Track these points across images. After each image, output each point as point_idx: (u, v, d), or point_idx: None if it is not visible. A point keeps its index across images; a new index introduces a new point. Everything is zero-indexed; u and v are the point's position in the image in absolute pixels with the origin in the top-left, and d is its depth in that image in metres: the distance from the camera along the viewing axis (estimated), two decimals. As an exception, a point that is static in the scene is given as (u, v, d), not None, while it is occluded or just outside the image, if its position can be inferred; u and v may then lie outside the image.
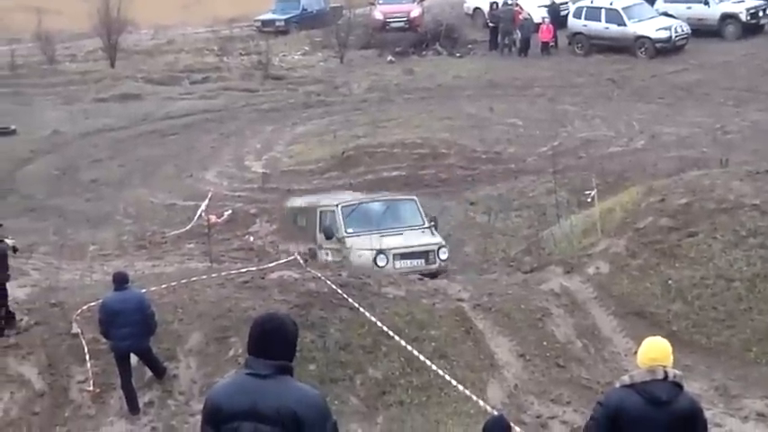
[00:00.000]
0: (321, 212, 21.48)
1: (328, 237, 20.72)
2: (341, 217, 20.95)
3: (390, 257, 20.26)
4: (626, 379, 7.79)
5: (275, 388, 6.07)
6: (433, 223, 21.53)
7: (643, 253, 17.43)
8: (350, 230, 20.83)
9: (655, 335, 15.44)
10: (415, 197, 22.42)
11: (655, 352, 7.78)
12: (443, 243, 21.03)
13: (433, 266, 20.50)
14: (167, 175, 30.05)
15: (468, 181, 27.09)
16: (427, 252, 20.70)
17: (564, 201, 23.41)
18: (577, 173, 25.23)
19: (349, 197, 22.76)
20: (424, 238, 21.01)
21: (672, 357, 7.81)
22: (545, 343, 15.90)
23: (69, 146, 33.46)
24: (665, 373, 7.64)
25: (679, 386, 7.69)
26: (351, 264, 19.73)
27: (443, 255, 20.83)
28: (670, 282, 16.67)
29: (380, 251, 20.21)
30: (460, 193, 26.08)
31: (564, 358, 15.59)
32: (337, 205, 21.16)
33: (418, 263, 20.47)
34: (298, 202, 23.13)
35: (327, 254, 20.89)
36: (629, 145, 29.07)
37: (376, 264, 19.99)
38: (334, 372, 15.09)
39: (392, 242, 20.55)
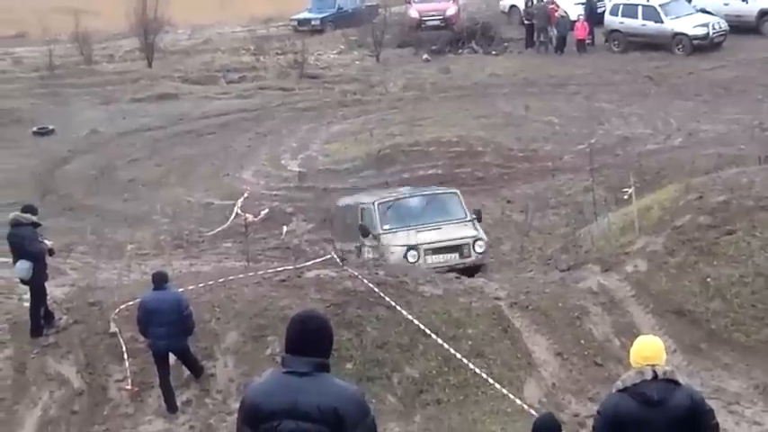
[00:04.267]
0: (362, 210, 21.41)
1: (364, 235, 20.63)
2: (377, 214, 20.85)
3: (422, 253, 20.07)
4: (619, 383, 7.74)
5: (315, 385, 6.07)
6: (475, 216, 21.21)
7: (681, 251, 17.32)
8: (386, 227, 20.69)
9: (694, 333, 15.52)
10: (456, 191, 22.25)
11: (646, 351, 7.73)
12: (480, 236, 20.73)
13: (468, 260, 20.28)
14: (204, 175, 30.15)
15: (504, 179, 27.03)
16: (461, 246, 20.39)
17: (601, 199, 23.27)
18: (614, 170, 25.11)
19: (399, 192, 22.62)
20: (460, 232, 20.69)
21: (664, 355, 7.75)
22: (582, 341, 15.84)
23: (107, 146, 33.64)
24: (654, 372, 7.57)
25: (674, 382, 7.62)
26: (387, 261, 19.65)
27: (480, 248, 20.53)
28: (709, 280, 16.55)
29: (411, 247, 20.04)
30: (497, 191, 26.04)
31: (602, 357, 15.54)
32: (374, 202, 21.10)
33: (451, 257, 20.24)
34: (347, 200, 23.06)
35: (369, 251, 20.77)
36: (667, 142, 28.92)
37: (407, 260, 19.88)
38: (371, 370, 15.10)
39: (425, 237, 20.29)
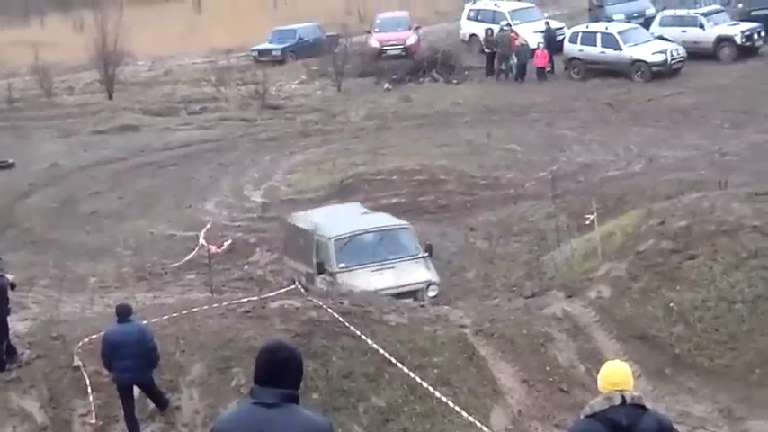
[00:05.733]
0: (317, 242, 21.18)
1: (320, 272, 20.48)
2: (333, 251, 20.68)
3: None
4: (587, 409, 7.75)
5: (283, 417, 6.06)
6: (427, 253, 21.21)
7: (644, 276, 17.42)
8: (342, 265, 20.58)
9: (658, 358, 15.60)
10: (409, 226, 22.17)
11: (614, 376, 7.74)
12: (433, 279, 20.74)
13: (420, 305, 19.86)
14: (166, 207, 30.07)
15: (467, 207, 27.11)
16: (415, 291, 20.38)
17: (564, 225, 23.41)
18: (577, 197, 25.24)
19: (348, 213, 22.70)
20: (414, 275, 20.65)
21: (632, 380, 7.77)
22: (548, 368, 15.88)
23: (68, 178, 33.48)
24: (623, 397, 7.60)
25: (642, 407, 7.65)
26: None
27: (432, 292, 20.54)
28: (672, 305, 16.65)
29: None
30: (460, 218, 26.10)
31: (567, 383, 15.58)
32: (330, 239, 20.86)
33: (406, 303, 19.92)
34: (299, 221, 22.83)
35: (322, 282, 20.56)
36: (628, 168, 29.12)
37: None
38: (337, 400, 15.05)
39: (381, 282, 20.16)
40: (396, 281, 20.38)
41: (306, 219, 22.75)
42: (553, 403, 15.21)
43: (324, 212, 23.32)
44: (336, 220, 21.87)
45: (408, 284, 20.35)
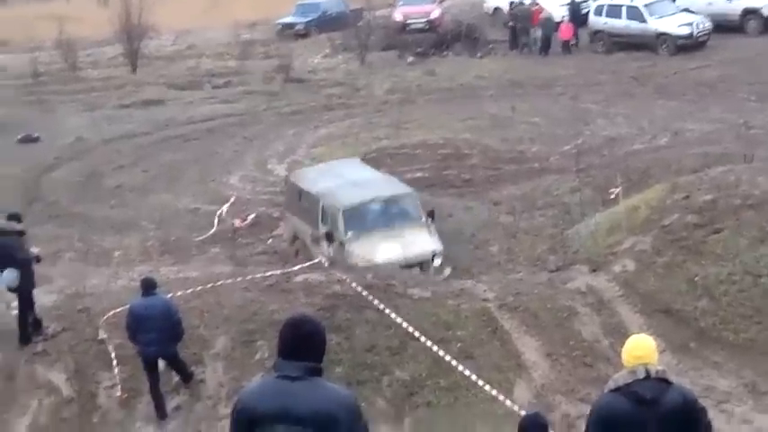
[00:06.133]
0: (324, 209, 21.41)
1: (330, 240, 20.66)
2: (342, 222, 20.88)
3: None
4: (611, 383, 7.73)
5: (307, 390, 6.08)
6: (430, 219, 21.46)
7: (669, 250, 17.36)
8: (350, 234, 20.82)
9: (682, 332, 15.55)
10: (413, 191, 22.38)
11: (638, 350, 7.72)
12: (437, 249, 20.95)
13: (428, 274, 20.42)
14: (191, 180, 30.11)
15: (491, 181, 27.01)
16: (422, 263, 20.61)
17: (588, 199, 23.33)
18: (601, 171, 25.14)
19: (350, 173, 22.87)
20: (421, 245, 20.89)
21: (656, 354, 7.74)
22: (572, 342, 15.85)
23: (93, 152, 33.56)
24: (647, 371, 7.58)
25: (666, 381, 7.63)
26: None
27: (437, 262, 20.78)
28: (696, 278, 16.58)
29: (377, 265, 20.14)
30: (484, 193, 26.01)
31: (591, 357, 15.55)
32: (339, 209, 21.02)
33: (413, 273, 20.25)
34: (302, 181, 22.95)
35: (330, 249, 20.78)
36: (653, 142, 28.94)
37: None
38: (360, 374, 15.10)
39: (390, 253, 20.41)
40: (404, 251, 20.61)
41: (308, 178, 22.93)
42: (577, 377, 15.19)
43: (325, 171, 23.38)
44: (342, 186, 21.94)
45: (416, 255, 20.61)
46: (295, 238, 22.84)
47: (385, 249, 20.56)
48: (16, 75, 45.85)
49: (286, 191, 23.62)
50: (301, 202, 22.39)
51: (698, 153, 25.52)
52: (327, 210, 21.33)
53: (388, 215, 21.54)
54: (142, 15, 44.52)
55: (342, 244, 20.69)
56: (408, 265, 20.19)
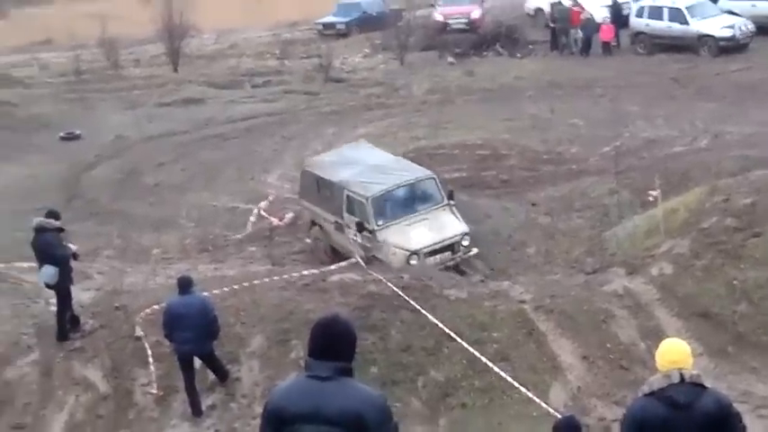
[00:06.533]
0: (348, 197, 21.64)
1: (360, 230, 20.95)
2: (371, 211, 21.11)
3: (422, 257, 20.62)
4: (645, 387, 7.69)
5: (337, 390, 6.07)
6: (452, 201, 21.79)
7: (707, 253, 17.21)
8: (380, 222, 21.08)
9: (720, 336, 15.41)
10: (434, 174, 22.49)
11: (673, 354, 7.67)
12: (465, 229, 21.32)
13: (457, 255, 21.07)
14: (229, 179, 30.19)
15: (529, 182, 26.90)
16: (453, 244, 21.06)
17: (627, 201, 23.20)
18: (640, 173, 24.96)
19: (365, 158, 23.06)
20: (451, 227, 21.27)
21: (691, 359, 7.68)
22: (608, 345, 15.76)
23: (133, 150, 33.73)
24: (681, 375, 7.52)
25: (701, 386, 7.57)
26: (384, 258, 20.51)
27: (466, 242, 21.20)
28: (735, 282, 16.42)
29: (413, 252, 20.54)
30: (522, 193, 25.91)
31: (627, 360, 15.45)
32: (367, 198, 21.20)
33: (446, 256, 20.94)
34: (319, 169, 23.08)
35: (356, 236, 21.16)
36: (693, 144, 28.72)
37: (409, 263, 20.32)
38: (395, 374, 15.09)
39: (422, 239, 20.78)
40: (436, 235, 20.95)
41: (325, 167, 23.08)
42: (613, 380, 15.10)
43: (341, 158, 23.52)
44: (363, 174, 22.14)
45: (449, 238, 21.00)
46: (312, 224, 23.14)
47: (418, 235, 20.85)
48: (60, 72, 46.23)
49: (301, 179, 23.78)
50: (320, 190, 22.63)
51: (738, 156, 25.27)
52: (353, 199, 21.56)
53: (413, 200, 21.84)
54: (184, 14, 44.69)
55: (372, 232, 20.92)
56: (441, 249, 20.73)
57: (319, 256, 22.72)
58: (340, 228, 21.83)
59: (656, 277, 17.22)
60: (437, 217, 21.42)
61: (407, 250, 20.53)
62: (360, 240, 21.13)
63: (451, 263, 20.86)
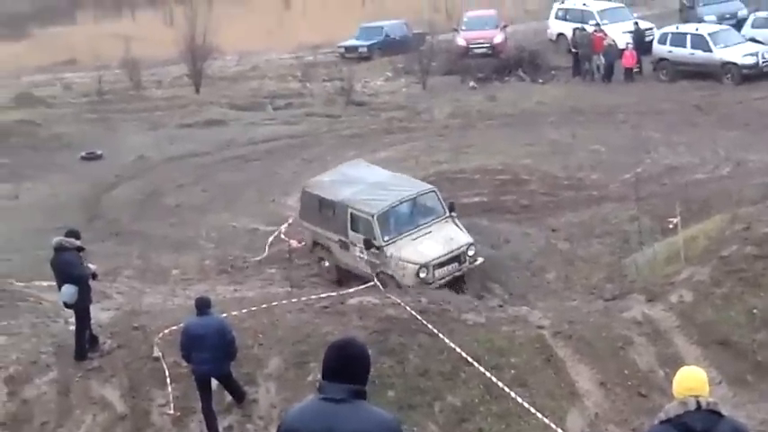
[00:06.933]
0: (353, 215, 21.93)
1: (368, 248, 21.25)
2: (377, 227, 21.39)
3: (431, 269, 20.93)
4: (662, 414, 7.69)
5: (351, 412, 6.09)
6: (454, 213, 22.22)
7: (727, 281, 17.17)
8: (386, 238, 21.37)
9: (739, 364, 15.36)
10: (434, 188, 22.90)
11: (690, 381, 7.67)
12: (470, 240, 21.68)
13: (464, 266, 21.47)
14: (250, 200, 30.27)
15: (549, 207, 26.91)
16: (459, 255, 21.41)
17: (647, 228, 23.17)
18: (661, 200, 24.94)
19: (364, 176, 23.39)
20: (457, 238, 21.63)
21: (708, 386, 7.68)
22: (626, 372, 15.73)
23: (154, 171, 33.89)
24: (698, 403, 7.51)
25: (718, 414, 7.56)
26: (401, 277, 20.79)
27: (471, 252, 21.56)
28: (755, 311, 16.39)
29: (422, 265, 20.83)
30: (542, 219, 25.91)
31: (646, 387, 15.42)
32: (372, 215, 21.47)
33: (453, 267, 21.31)
34: (320, 190, 23.28)
35: (363, 253, 21.54)
36: (714, 172, 28.68)
37: (418, 276, 20.69)
38: (412, 398, 15.08)
39: (430, 252, 21.11)
40: (444, 247, 21.31)
41: (326, 187, 23.27)
42: (631, 407, 15.07)
43: (340, 177, 23.71)
44: (365, 192, 22.44)
45: (456, 249, 21.36)
46: (315, 244, 23.37)
47: (426, 248, 21.20)
48: (82, 93, 46.56)
49: (302, 201, 24.01)
50: (322, 210, 22.85)
51: (759, 184, 25.24)
52: (358, 217, 21.85)
53: (417, 214, 22.19)
54: (207, 36, 44.97)
55: (380, 249, 21.21)
56: (448, 261, 21.12)
57: (324, 276, 22.97)
58: (345, 246, 22.15)
59: (676, 304, 17.18)
60: (441, 229, 21.82)
61: (417, 263, 20.83)
62: (367, 257, 21.47)
63: (459, 273, 21.32)
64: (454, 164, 30.88)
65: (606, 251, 23.09)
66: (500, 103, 39.38)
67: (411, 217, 22.08)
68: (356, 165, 24.99)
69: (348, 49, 51.09)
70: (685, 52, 39.43)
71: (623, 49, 41.11)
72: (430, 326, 16.19)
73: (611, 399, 15.24)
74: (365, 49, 50.54)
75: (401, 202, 22.03)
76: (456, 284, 21.23)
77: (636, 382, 15.51)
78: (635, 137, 32.42)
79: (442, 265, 21.08)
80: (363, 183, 22.93)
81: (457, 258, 21.33)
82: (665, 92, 38.30)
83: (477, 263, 21.68)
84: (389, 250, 21.14)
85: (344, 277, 22.27)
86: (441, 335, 15.95)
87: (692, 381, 7.68)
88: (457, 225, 22.03)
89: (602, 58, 41.16)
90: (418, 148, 33.77)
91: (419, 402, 15.05)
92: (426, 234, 21.59)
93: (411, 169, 30.04)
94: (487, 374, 15.20)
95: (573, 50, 42.73)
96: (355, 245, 21.80)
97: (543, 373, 15.65)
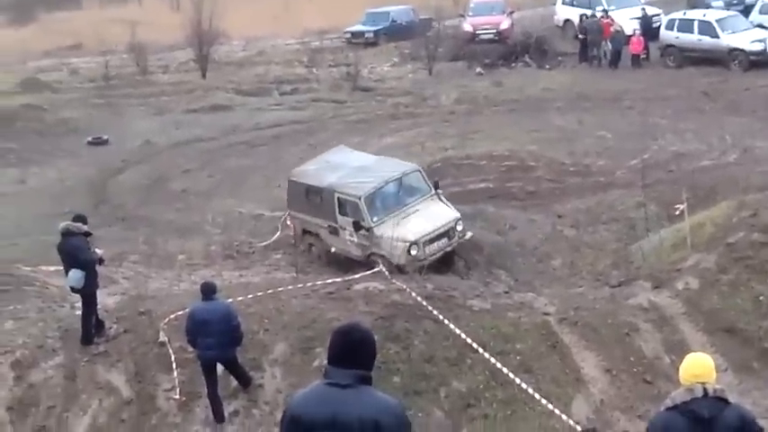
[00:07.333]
0: (340, 199, 22.19)
1: (358, 230, 21.55)
2: (365, 209, 21.67)
3: (421, 246, 21.20)
4: (668, 401, 7.70)
5: (356, 398, 6.10)
6: (439, 190, 22.60)
7: (734, 268, 17.15)
8: (375, 219, 21.65)
9: (746, 351, 15.35)
10: (419, 167, 23.23)
11: (696, 368, 7.68)
12: (459, 215, 22.01)
13: (453, 241, 21.83)
14: (255, 186, 30.28)
15: (555, 194, 26.88)
16: (448, 231, 21.73)
17: (653, 215, 23.15)
18: (668, 186, 24.90)
19: (349, 161, 23.55)
20: (444, 214, 21.94)
21: (714, 373, 7.69)
22: (632, 358, 15.72)
23: (160, 156, 33.92)
24: (705, 389, 7.52)
25: (724, 401, 7.56)
26: (384, 253, 21.11)
27: (459, 227, 21.87)
28: (761, 298, 16.36)
29: (412, 243, 21.08)
30: (548, 205, 25.89)
31: (651, 374, 15.41)
32: (359, 197, 21.72)
33: (443, 242, 21.64)
34: (306, 177, 23.46)
35: (352, 235, 21.84)
36: (721, 159, 28.63)
37: (410, 254, 20.94)
38: (418, 384, 15.10)
39: (419, 229, 21.39)
40: (432, 224, 21.61)
41: (312, 175, 23.45)
42: (636, 394, 15.06)
43: (325, 165, 23.83)
44: (350, 176, 22.64)
45: (444, 225, 21.67)
46: (304, 233, 23.58)
47: (415, 226, 21.47)
48: (89, 78, 46.61)
49: (288, 190, 24.10)
50: (309, 198, 23.07)
51: (766, 171, 25.20)
52: (345, 201, 22.10)
53: (403, 193, 22.47)
54: (213, 21, 44.97)
55: (369, 230, 21.50)
56: (438, 236, 21.44)
57: (315, 263, 23.17)
58: (335, 231, 22.47)
59: (682, 291, 17.16)
60: (428, 206, 22.12)
61: (407, 241, 21.08)
62: (357, 240, 21.76)
63: (449, 248, 21.66)
64: (460, 150, 30.85)
65: (612, 238, 23.08)
66: (506, 88, 39.34)
67: (398, 197, 22.35)
68: (339, 151, 25.08)
69: (354, 34, 51.01)
70: (693, 38, 39.32)
71: (630, 36, 41.00)
72: (435, 312, 16.20)
73: (616, 385, 15.23)
74: (371, 35, 50.46)
75: (387, 183, 22.29)
76: (447, 260, 21.66)
77: (641, 369, 15.50)
78: (642, 123, 32.36)
79: (432, 241, 21.40)
80: (348, 167, 23.14)
81: (446, 234, 21.65)
82: (673, 78, 38.22)
83: (467, 237, 22.01)
84: (379, 231, 21.44)
85: (335, 263, 22.49)
86: (446, 321, 15.96)
87: (699, 367, 7.69)
88: (443, 201, 22.37)
89: (609, 44, 41.08)
90: (424, 134, 33.75)
91: (424, 388, 15.07)
92: (414, 212, 21.91)
93: (417, 155, 30.05)
94: (493, 361, 15.20)
95: (580, 36, 42.64)
96: (345, 229, 22.12)
97: (549, 360, 15.65)
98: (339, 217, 22.24)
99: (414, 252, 20.97)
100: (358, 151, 25.44)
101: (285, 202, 25.35)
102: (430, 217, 21.79)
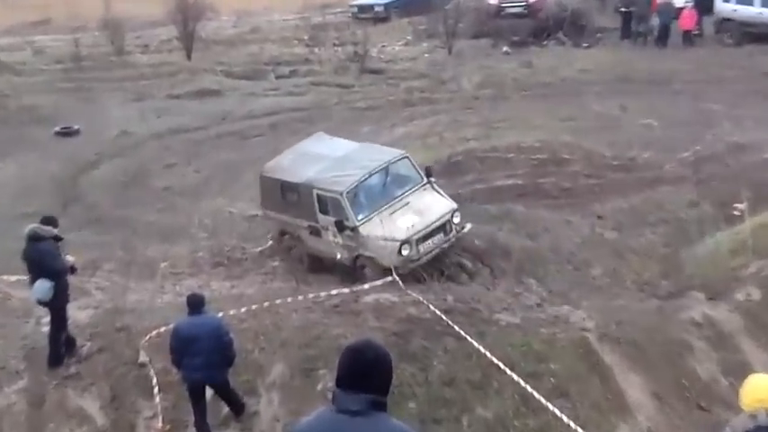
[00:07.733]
0: (319, 196, 22.06)
1: (341, 230, 21.43)
2: (348, 206, 21.53)
3: (414, 244, 21.08)
4: (727, 429, 7.70)
5: (368, 427, 6.08)
6: (432, 178, 22.42)
7: (801, 277, 17.19)
8: (360, 217, 21.50)
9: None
10: (407, 153, 23.01)
11: (760, 392, 7.69)
12: (455, 206, 21.93)
13: (450, 235, 21.71)
14: (249, 183, 30.25)
15: (594, 191, 26.89)
16: (444, 224, 21.63)
17: (708, 215, 23.15)
18: (725, 183, 24.91)
19: (328, 151, 23.43)
20: (437, 206, 21.83)
21: None
22: (684, 381, 15.74)
23: (139, 148, 33.98)
24: None
25: None
26: (380, 258, 20.87)
27: (456, 219, 21.80)
28: (833, 311, 16.40)
29: (404, 241, 20.94)
30: (586, 205, 25.90)
31: (706, 399, 15.42)
32: (341, 194, 21.57)
33: (438, 238, 21.52)
34: (281, 172, 23.39)
35: (336, 236, 21.67)
36: (787, 150, 28.64)
37: (401, 254, 20.81)
38: (437, 411, 15.11)
39: (408, 223, 21.29)
40: (424, 219, 21.49)
41: (286, 169, 23.39)
42: (689, 422, 15.08)
43: (301, 157, 23.79)
44: (330, 169, 22.53)
45: (438, 219, 21.57)
46: (282, 234, 23.57)
47: (405, 222, 21.36)
48: (56, 58, 46.66)
49: (261, 188, 24.17)
50: (286, 196, 23.00)
51: (839, 165, 25.21)
52: (325, 198, 21.97)
53: (391, 185, 22.32)
54: (199, -6, 45.09)
55: (354, 229, 21.36)
56: (432, 232, 21.34)
57: (295, 265, 23.13)
58: (316, 232, 22.36)
59: (742, 303, 17.18)
60: (420, 198, 22.00)
61: (397, 240, 20.93)
62: (341, 241, 21.63)
63: (446, 245, 21.56)
64: (484, 141, 30.84)
65: (660, 242, 23.09)
66: (537, 70, 39.38)
67: (384, 189, 22.23)
68: (318, 139, 25.08)
69: (362, 8, 51.10)
70: (754, 11, 39.33)
71: (681, 8, 41.01)
72: (457, 327, 16.22)
73: (665, 412, 15.25)
74: (381, 9, 50.54)
75: (371, 175, 22.15)
76: (442, 259, 21.55)
77: (695, 393, 15.53)
78: (694, 110, 32.38)
79: (425, 238, 21.28)
80: (327, 159, 23.02)
81: (442, 228, 21.56)
82: (730, 57, 38.24)
83: (466, 230, 21.95)
84: (365, 229, 21.33)
85: (318, 267, 22.53)
86: (469, 338, 15.97)
87: (764, 391, 7.69)
88: (437, 191, 22.28)
89: (656, 18, 41.05)
90: (443, 123, 33.78)
91: (445, 416, 15.08)
92: (404, 206, 21.79)
93: (435, 147, 30.12)
94: (523, 384, 15.21)
95: (622, 10, 42.66)
96: (327, 229, 21.99)
97: (588, 383, 15.67)
98: (320, 216, 22.11)
99: (405, 252, 20.87)
100: (338, 138, 25.24)
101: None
102: (422, 210, 21.69)
